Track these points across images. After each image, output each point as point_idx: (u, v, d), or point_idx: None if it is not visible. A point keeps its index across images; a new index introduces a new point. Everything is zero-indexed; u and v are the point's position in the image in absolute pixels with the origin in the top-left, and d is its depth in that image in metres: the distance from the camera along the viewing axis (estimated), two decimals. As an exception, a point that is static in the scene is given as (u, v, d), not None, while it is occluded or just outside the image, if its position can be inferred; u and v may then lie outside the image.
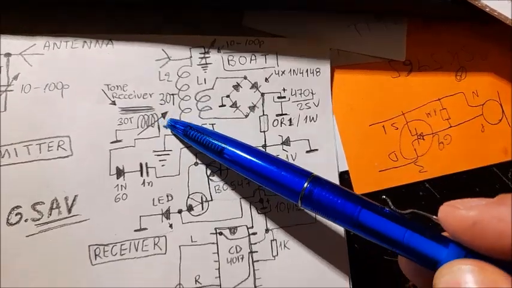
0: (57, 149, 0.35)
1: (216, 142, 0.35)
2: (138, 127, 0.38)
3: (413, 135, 0.44)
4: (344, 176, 0.42)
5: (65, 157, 0.36)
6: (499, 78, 0.46)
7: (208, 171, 0.38)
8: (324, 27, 0.43)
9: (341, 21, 0.43)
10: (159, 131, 0.38)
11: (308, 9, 0.42)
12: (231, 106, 0.40)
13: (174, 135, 0.38)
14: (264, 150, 0.40)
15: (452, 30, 0.46)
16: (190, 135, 0.36)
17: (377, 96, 0.44)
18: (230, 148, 0.35)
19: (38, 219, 0.34)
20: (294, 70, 0.41)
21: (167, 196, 0.37)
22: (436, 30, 0.46)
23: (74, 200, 0.35)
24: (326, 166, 0.41)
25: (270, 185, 0.34)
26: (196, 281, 0.36)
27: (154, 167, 0.37)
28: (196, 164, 0.38)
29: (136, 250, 0.36)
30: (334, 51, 0.43)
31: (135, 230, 0.36)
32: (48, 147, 0.35)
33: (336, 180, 0.41)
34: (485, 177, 0.44)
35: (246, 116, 0.40)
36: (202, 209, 0.38)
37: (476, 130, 0.45)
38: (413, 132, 0.44)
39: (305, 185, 0.32)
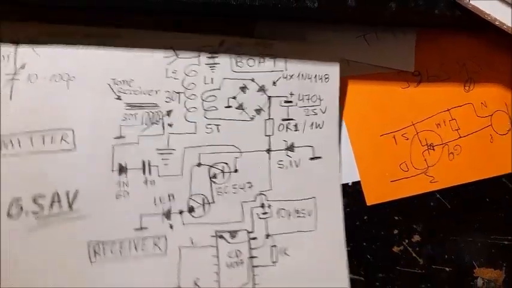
0: (60, 142, 0.36)
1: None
2: (142, 124, 0.39)
3: (424, 145, 0.46)
4: (356, 186, 0.44)
5: (67, 150, 0.37)
6: (507, 89, 0.48)
7: (211, 173, 0.40)
8: (333, 37, 0.44)
9: (350, 32, 0.45)
10: (164, 129, 0.39)
11: (317, 20, 0.44)
12: (237, 108, 0.41)
13: None
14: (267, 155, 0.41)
15: (460, 40, 0.48)
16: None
17: (387, 106, 0.45)
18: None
19: (38, 213, 0.35)
20: (302, 74, 0.43)
21: (169, 196, 0.38)
22: (444, 41, 0.48)
23: (75, 195, 0.36)
24: (328, 175, 0.42)
25: None
26: (195, 283, 0.38)
27: (157, 166, 0.39)
28: (199, 165, 0.40)
29: (136, 249, 0.37)
30: (343, 62, 0.44)
31: (135, 229, 0.37)
32: (52, 139, 0.36)
33: (337, 190, 0.42)
34: (494, 188, 0.47)
35: (252, 119, 0.41)
36: (204, 211, 0.39)
37: (486, 141, 0.47)
38: (424, 143, 0.46)
39: None
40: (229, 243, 0.39)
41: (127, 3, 0.37)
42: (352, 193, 0.43)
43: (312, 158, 0.42)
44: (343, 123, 0.44)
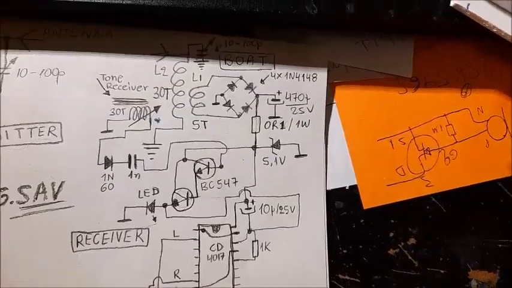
0: (48, 135, 0.38)
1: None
2: (129, 119, 0.40)
3: (420, 150, 0.46)
4: (353, 190, 0.44)
5: (54, 143, 0.38)
6: (503, 94, 0.49)
7: (196, 168, 0.41)
8: (332, 43, 0.45)
9: (349, 38, 0.46)
10: (150, 124, 0.40)
11: (317, 26, 0.44)
12: (224, 105, 0.42)
13: None
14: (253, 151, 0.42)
15: (458, 47, 0.48)
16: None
17: (385, 111, 0.46)
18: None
19: (24, 203, 0.37)
20: (290, 74, 0.43)
21: (153, 189, 0.40)
22: (442, 47, 0.48)
23: (60, 186, 0.38)
24: (313, 173, 0.43)
25: None
26: (175, 275, 0.39)
27: (143, 160, 0.40)
28: (185, 159, 0.41)
29: (119, 240, 0.38)
30: (342, 67, 0.45)
31: (118, 221, 0.39)
32: (39, 132, 0.38)
33: (321, 188, 0.43)
34: (490, 192, 0.47)
35: (239, 116, 0.42)
36: (187, 205, 0.40)
37: (481, 145, 0.48)
38: (420, 147, 0.46)
39: None
40: (211, 236, 0.40)
41: (127, 8, 0.38)
42: (349, 197, 0.44)
43: (297, 156, 0.43)
44: (341, 128, 0.45)
